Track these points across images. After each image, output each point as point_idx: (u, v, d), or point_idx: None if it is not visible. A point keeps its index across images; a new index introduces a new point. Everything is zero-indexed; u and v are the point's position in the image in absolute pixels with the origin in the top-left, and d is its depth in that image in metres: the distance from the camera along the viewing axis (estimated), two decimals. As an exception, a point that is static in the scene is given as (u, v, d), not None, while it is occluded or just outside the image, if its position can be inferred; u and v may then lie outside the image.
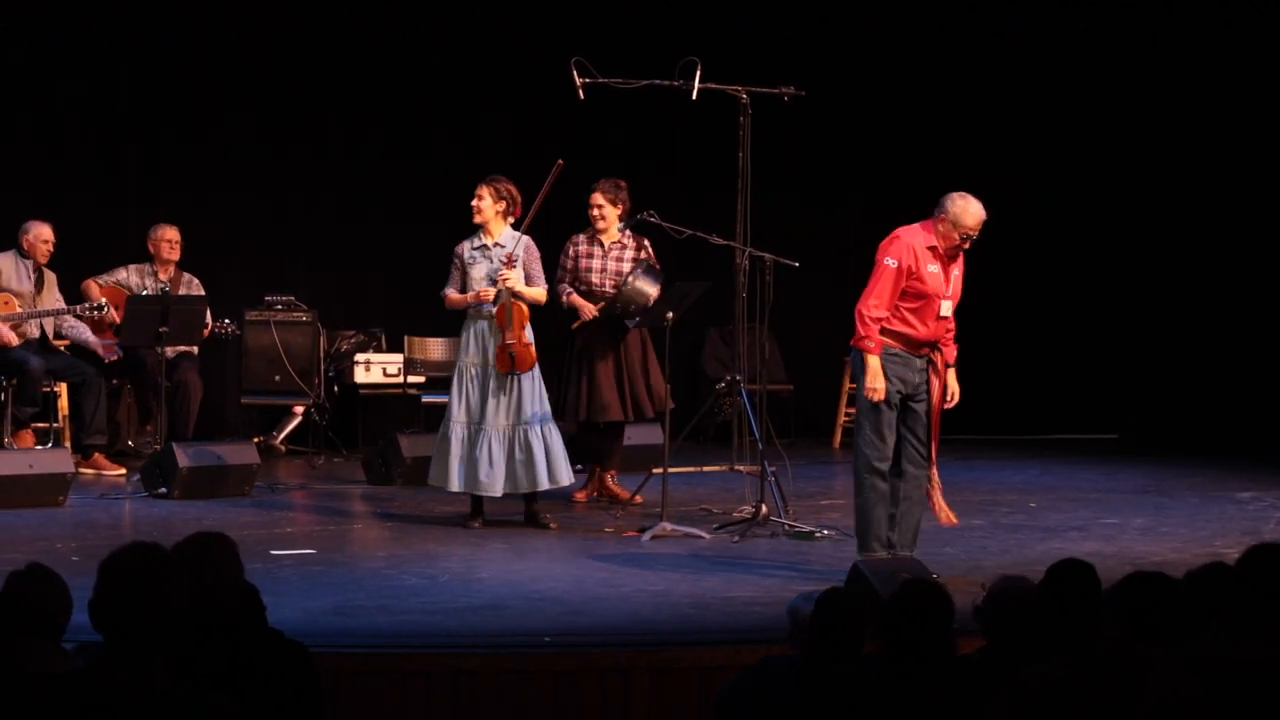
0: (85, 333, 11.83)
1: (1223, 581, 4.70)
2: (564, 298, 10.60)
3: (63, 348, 11.94)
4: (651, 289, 10.34)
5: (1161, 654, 4.31)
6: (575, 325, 10.60)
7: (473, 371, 9.70)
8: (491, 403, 9.64)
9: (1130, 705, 4.15)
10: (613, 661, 6.75)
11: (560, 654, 6.80)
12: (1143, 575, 4.53)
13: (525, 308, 9.67)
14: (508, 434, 9.65)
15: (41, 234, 11.73)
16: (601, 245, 10.63)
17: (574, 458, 11.70)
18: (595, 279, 10.59)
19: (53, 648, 4.20)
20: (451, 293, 9.81)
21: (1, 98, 12.81)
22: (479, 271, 9.72)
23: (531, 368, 9.67)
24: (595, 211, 10.60)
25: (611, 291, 10.51)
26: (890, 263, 8.15)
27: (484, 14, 13.77)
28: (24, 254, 11.72)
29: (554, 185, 9.62)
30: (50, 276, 11.85)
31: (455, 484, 9.69)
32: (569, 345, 10.63)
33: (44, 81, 12.90)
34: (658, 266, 10.56)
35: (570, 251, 10.66)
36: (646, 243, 10.69)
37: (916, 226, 8.23)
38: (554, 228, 10.36)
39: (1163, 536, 9.58)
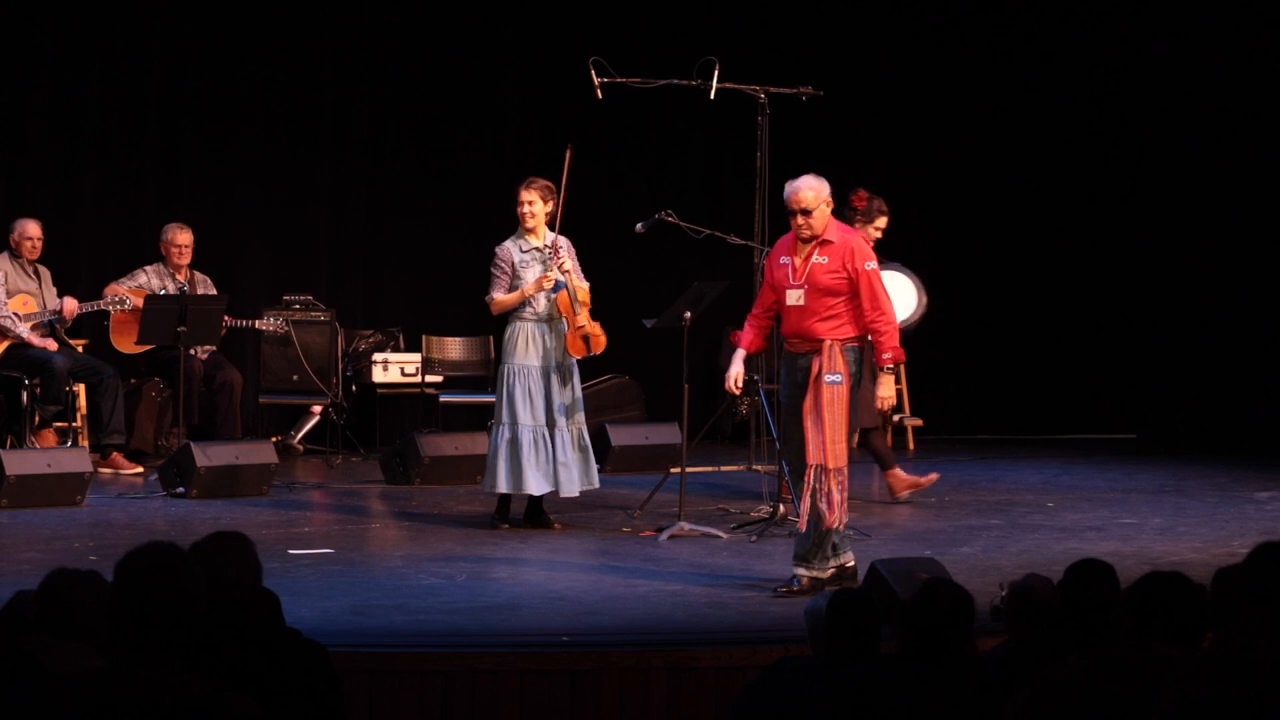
0: (24, 330, 11.47)
1: (1239, 582, 4.68)
2: None
3: (80, 348, 11.97)
4: None
5: (1179, 654, 4.30)
6: None
7: (534, 373, 9.59)
8: (557, 401, 9.57)
9: (1147, 705, 4.13)
10: (630, 661, 6.76)
11: (578, 653, 6.80)
12: (1160, 575, 4.52)
13: (587, 291, 9.66)
14: (573, 431, 9.64)
15: (27, 230, 11.62)
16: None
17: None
18: None
19: (83, 650, 4.20)
20: (500, 295, 9.66)
21: (19, 98, 12.82)
22: (533, 274, 9.63)
23: (604, 347, 9.67)
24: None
25: None
26: None
27: (501, 15, 13.76)
28: (14, 253, 11.67)
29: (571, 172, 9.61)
30: (45, 272, 11.83)
31: (534, 487, 9.56)
32: None
33: (60, 81, 12.90)
34: None
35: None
36: None
37: None
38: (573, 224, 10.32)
39: (1181, 536, 9.56)
